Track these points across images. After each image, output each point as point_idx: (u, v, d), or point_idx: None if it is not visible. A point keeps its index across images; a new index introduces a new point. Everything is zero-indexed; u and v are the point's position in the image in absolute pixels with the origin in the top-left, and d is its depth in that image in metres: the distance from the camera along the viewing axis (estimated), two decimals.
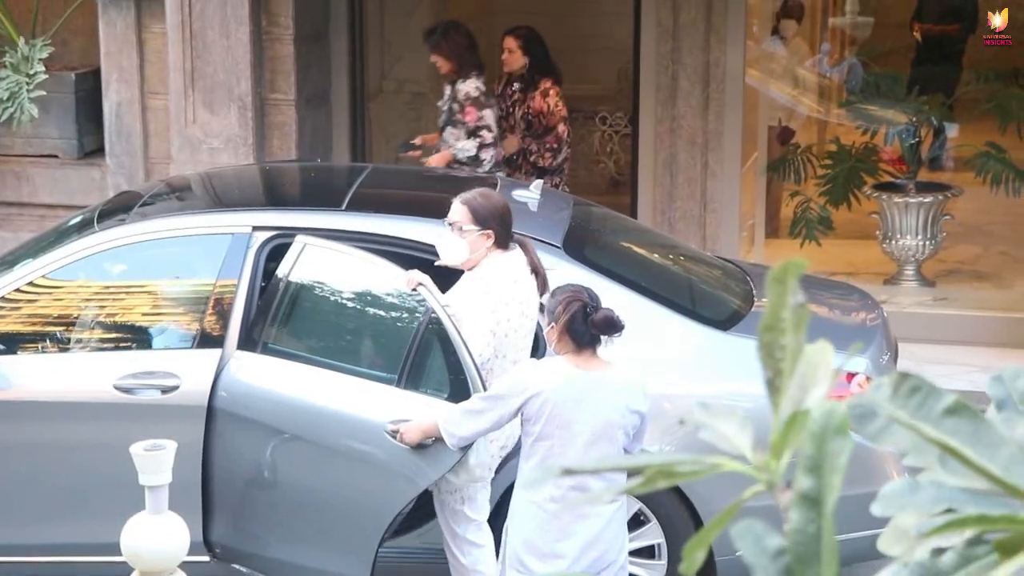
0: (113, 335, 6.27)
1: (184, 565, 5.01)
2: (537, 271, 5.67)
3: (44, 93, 9.11)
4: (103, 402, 5.95)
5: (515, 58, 9.26)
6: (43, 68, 9.11)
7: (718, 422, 1.45)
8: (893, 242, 9.75)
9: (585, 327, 5.03)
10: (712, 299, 6.66)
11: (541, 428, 5.02)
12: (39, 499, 6.02)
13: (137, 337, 6.27)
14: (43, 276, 6.22)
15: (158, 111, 9.32)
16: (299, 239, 5.88)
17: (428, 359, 5.55)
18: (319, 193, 7.26)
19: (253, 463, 5.77)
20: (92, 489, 5.95)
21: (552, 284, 5.47)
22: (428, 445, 5.37)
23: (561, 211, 6.79)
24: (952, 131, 11.00)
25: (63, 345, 6.23)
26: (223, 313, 6.03)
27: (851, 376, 5.90)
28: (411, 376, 5.54)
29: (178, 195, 7.04)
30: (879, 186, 9.98)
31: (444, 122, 8.94)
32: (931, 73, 11.61)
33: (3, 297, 6.18)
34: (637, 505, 5.95)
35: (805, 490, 1.34)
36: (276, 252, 6.03)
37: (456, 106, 8.83)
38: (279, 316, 5.87)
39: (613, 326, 5.04)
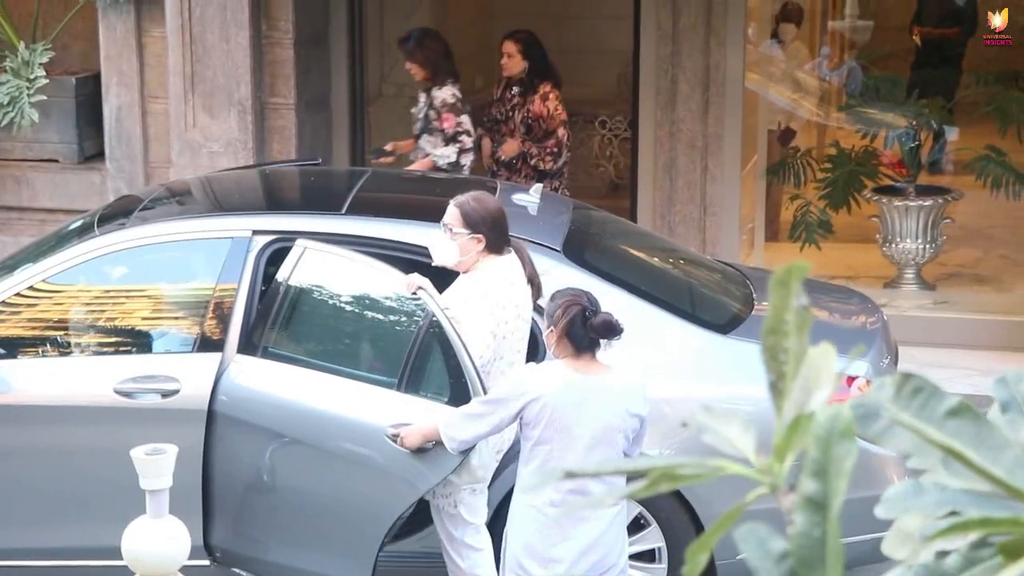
0: (113, 339, 6.27)
1: (184, 569, 5.00)
2: (532, 280, 5.66)
3: (44, 97, 9.11)
4: (103, 406, 5.94)
5: (514, 62, 9.26)
6: (43, 72, 9.11)
7: (721, 425, 1.45)
8: (893, 245, 9.75)
9: (584, 331, 5.03)
10: (712, 303, 6.65)
11: (540, 432, 5.02)
12: (40, 503, 6.02)
13: (137, 341, 6.26)
14: (43, 280, 6.22)
15: (158, 115, 9.33)
16: (299, 243, 5.88)
17: (428, 363, 5.55)
18: (319, 197, 7.26)
19: (253, 467, 5.77)
20: (93, 493, 5.95)
21: (552, 288, 5.47)
22: (428, 449, 5.37)
23: (561, 215, 6.79)
24: (952, 134, 11.00)
25: (63, 349, 6.23)
26: (223, 317, 6.02)
27: (851, 380, 5.89)
28: (411, 380, 5.53)
29: (178, 199, 7.04)
30: (879, 189, 9.98)
31: (421, 129, 8.94)
32: (931, 76, 11.62)
33: (3, 301, 6.18)
34: (637, 509, 5.94)
35: (810, 494, 1.34)
36: (276, 256, 6.03)
37: (433, 113, 8.84)
38: (279, 320, 5.87)
39: (612, 330, 5.04)
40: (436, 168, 8.73)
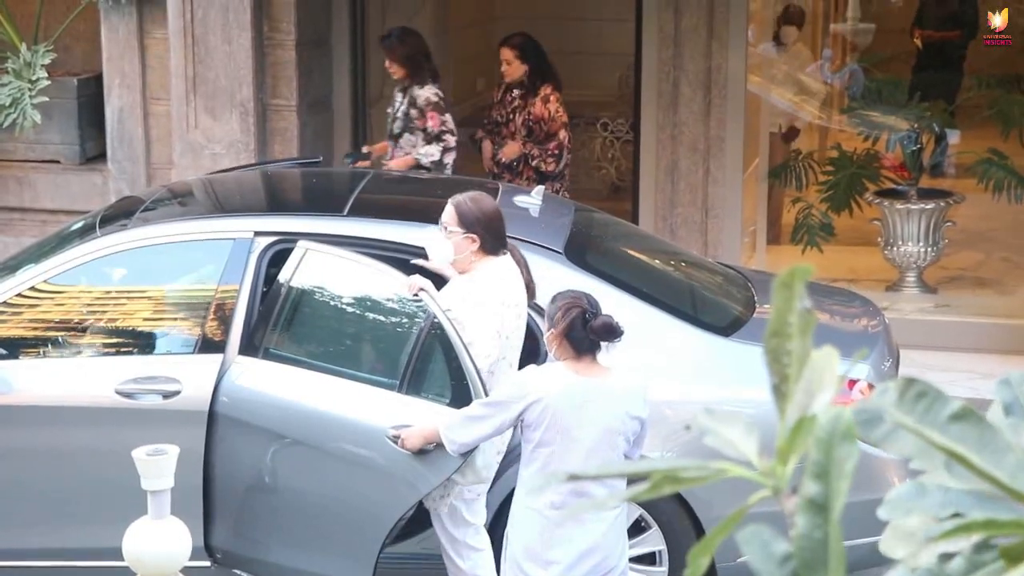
0: (115, 340, 6.27)
1: (185, 570, 5.00)
2: (528, 285, 5.66)
3: (46, 99, 9.11)
4: (105, 407, 5.95)
5: (514, 68, 9.25)
6: (45, 74, 9.12)
7: (723, 428, 1.45)
8: (895, 248, 9.74)
9: (584, 333, 5.03)
10: (714, 305, 6.65)
11: (541, 434, 5.02)
12: (41, 504, 6.02)
13: (139, 342, 6.26)
14: (45, 281, 6.22)
15: (160, 116, 9.33)
16: (301, 244, 5.88)
17: (429, 364, 5.55)
18: (321, 198, 7.27)
19: (254, 468, 5.77)
20: (94, 494, 5.95)
21: (553, 290, 5.47)
22: (429, 451, 5.37)
23: (562, 217, 6.79)
24: (954, 137, 11.00)
25: (65, 350, 6.23)
26: (225, 318, 6.02)
27: (853, 383, 5.89)
28: (412, 381, 5.54)
29: (180, 200, 7.04)
30: (881, 192, 9.98)
31: (400, 129, 8.94)
32: (932, 79, 11.61)
33: (5, 302, 6.18)
34: (638, 511, 5.94)
35: (812, 496, 1.34)
36: (278, 257, 6.03)
37: (415, 112, 8.85)
38: (281, 321, 5.87)
39: (612, 332, 5.04)
40: (419, 167, 8.73)
